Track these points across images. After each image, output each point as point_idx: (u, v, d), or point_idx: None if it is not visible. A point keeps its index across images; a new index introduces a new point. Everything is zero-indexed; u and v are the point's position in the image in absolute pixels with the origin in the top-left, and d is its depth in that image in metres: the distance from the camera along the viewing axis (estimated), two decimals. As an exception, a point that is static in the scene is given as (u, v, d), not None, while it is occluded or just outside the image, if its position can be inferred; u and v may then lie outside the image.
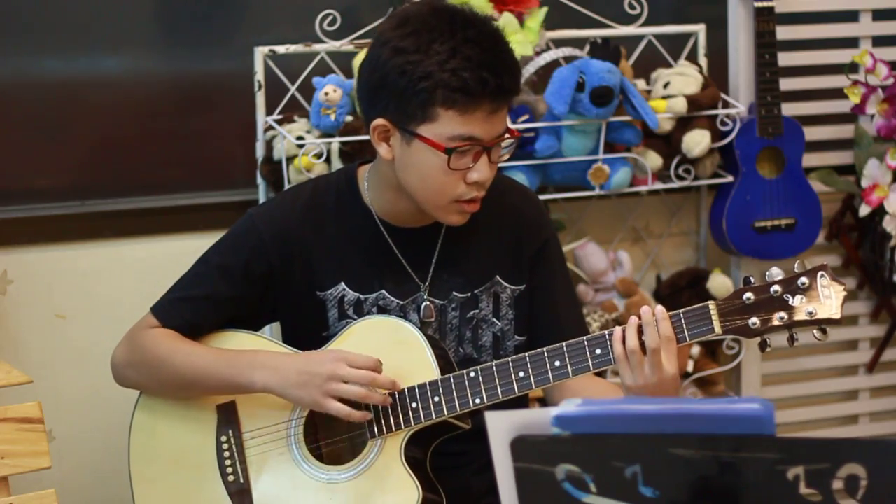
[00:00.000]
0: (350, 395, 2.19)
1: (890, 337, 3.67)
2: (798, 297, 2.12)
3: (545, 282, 2.40)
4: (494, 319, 2.38)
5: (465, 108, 2.14)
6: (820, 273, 2.12)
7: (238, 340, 2.36)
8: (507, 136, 2.23)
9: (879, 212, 3.43)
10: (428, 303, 2.35)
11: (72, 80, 3.16)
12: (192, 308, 2.35)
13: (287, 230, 2.34)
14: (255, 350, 2.30)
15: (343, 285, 2.34)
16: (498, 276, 2.38)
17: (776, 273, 2.13)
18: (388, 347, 2.29)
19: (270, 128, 3.05)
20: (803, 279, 2.12)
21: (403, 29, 2.17)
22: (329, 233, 2.35)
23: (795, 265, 2.14)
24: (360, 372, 2.19)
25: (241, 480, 2.32)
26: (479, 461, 2.37)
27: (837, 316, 2.12)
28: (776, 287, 2.12)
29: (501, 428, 1.39)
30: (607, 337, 2.19)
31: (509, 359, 2.23)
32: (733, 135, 3.28)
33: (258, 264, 2.33)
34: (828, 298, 2.11)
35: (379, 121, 2.21)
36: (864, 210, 3.44)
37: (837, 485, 1.35)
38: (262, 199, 3.06)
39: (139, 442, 2.38)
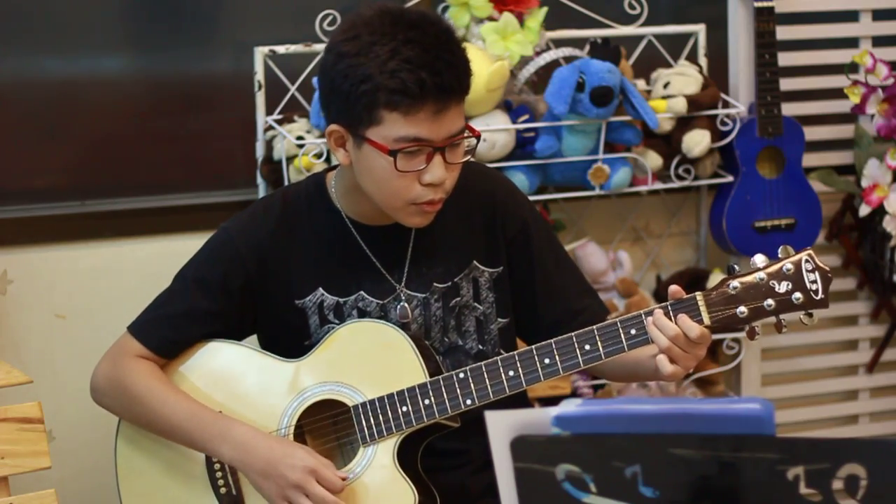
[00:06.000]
0: None
1: (890, 337, 3.67)
2: (784, 284, 2.12)
3: (537, 261, 2.40)
4: (476, 304, 2.38)
5: (407, 110, 2.13)
6: (805, 258, 2.13)
7: (221, 352, 2.35)
8: (464, 135, 2.21)
9: (879, 212, 3.43)
10: (404, 304, 2.34)
11: (72, 80, 3.16)
12: (171, 325, 2.34)
13: (262, 241, 2.33)
14: (231, 420, 2.28)
15: (321, 290, 2.34)
16: (475, 261, 2.38)
17: (760, 260, 2.14)
18: (374, 351, 2.28)
19: (270, 128, 3.05)
20: (788, 265, 2.12)
21: (347, 33, 2.18)
22: (303, 240, 2.34)
23: (779, 251, 2.15)
24: (324, 495, 2.19)
25: (234, 492, 2.31)
26: (477, 461, 2.37)
27: (824, 300, 2.13)
28: (761, 274, 2.13)
29: (501, 428, 1.39)
30: (598, 331, 2.19)
31: (498, 358, 2.23)
32: (733, 135, 3.28)
33: (236, 277, 2.33)
34: (813, 283, 2.12)
35: (332, 127, 2.21)
36: (864, 210, 3.44)
37: (837, 485, 1.35)
38: (262, 199, 3.06)
39: (126, 456, 2.37)
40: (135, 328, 2.36)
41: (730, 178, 3.33)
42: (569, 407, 1.39)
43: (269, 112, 3.06)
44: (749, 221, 3.35)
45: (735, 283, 2.14)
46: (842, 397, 3.74)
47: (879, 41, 3.54)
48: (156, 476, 2.35)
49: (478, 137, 2.25)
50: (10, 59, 3.09)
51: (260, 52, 3.03)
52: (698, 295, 2.15)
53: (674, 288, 2.17)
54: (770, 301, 2.12)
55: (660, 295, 3.38)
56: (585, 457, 1.38)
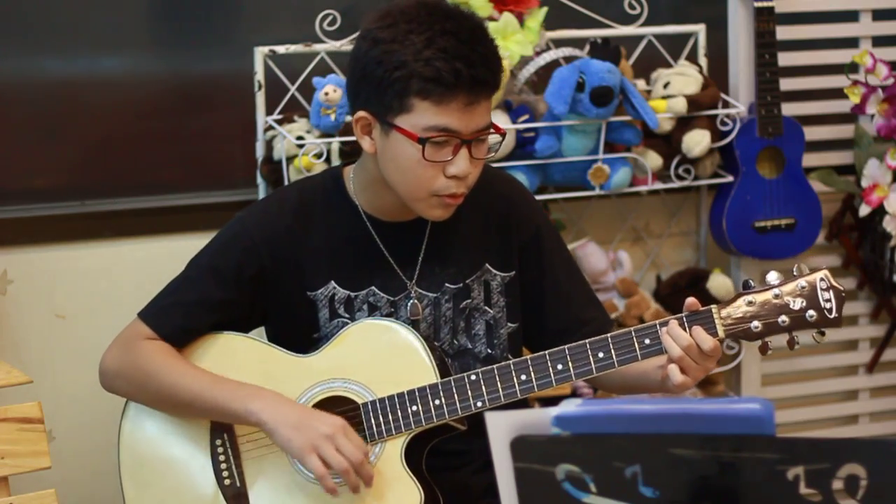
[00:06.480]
0: (335, 463, 2.18)
1: (890, 337, 3.67)
2: (798, 301, 2.15)
3: (547, 268, 2.41)
4: (486, 307, 2.38)
5: (439, 99, 2.14)
6: (820, 277, 2.16)
7: (228, 342, 2.35)
8: (490, 131, 2.22)
9: (879, 212, 3.43)
10: (415, 301, 2.34)
11: (72, 80, 3.16)
12: (183, 313, 2.33)
13: (277, 232, 2.33)
14: (257, 385, 2.27)
15: (333, 283, 2.34)
16: (487, 264, 2.38)
17: (775, 277, 2.16)
18: (384, 350, 2.28)
19: (270, 128, 3.05)
20: (803, 283, 2.16)
21: (384, 20, 2.19)
22: (318, 232, 2.34)
23: (794, 269, 2.18)
24: (354, 450, 2.18)
25: (238, 484, 2.31)
26: (478, 461, 2.37)
27: (837, 319, 2.16)
28: (776, 291, 2.16)
29: (501, 428, 1.39)
30: (612, 339, 2.20)
31: (511, 362, 2.23)
32: (733, 135, 3.28)
33: (250, 267, 2.33)
34: (827, 301, 2.16)
35: (360, 113, 2.22)
36: (864, 210, 3.44)
37: (837, 485, 1.35)
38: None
39: (129, 445, 2.36)
40: (147, 315, 2.36)
41: (730, 178, 3.33)
42: (569, 407, 1.39)
43: (269, 112, 3.06)
44: (749, 221, 3.35)
45: (750, 297, 2.16)
46: (842, 397, 3.74)
47: (879, 41, 3.54)
48: (158, 466, 2.34)
49: (503, 135, 2.26)
50: (10, 59, 3.09)
51: (260, 52, 3.03)
52: (714, 308, 2.18)
53: (690, 300, 2.19)
54: (784, 317, 2.16)
55: (660, 295, 3.38)
56: (585, 457, 1.38)
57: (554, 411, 1.38)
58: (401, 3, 2.21)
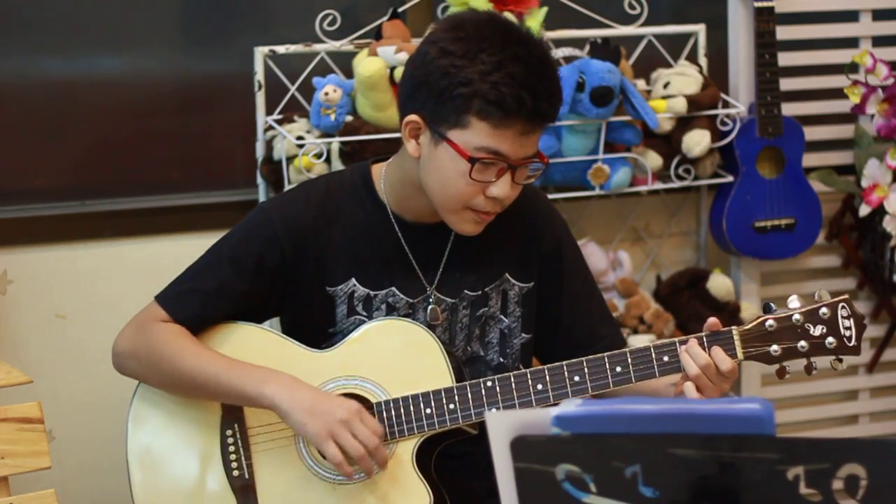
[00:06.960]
0: (351, 448, 2.18)
1: (890, 337, 3.67)
2: (819, 327, 2.18)
3: (566, 282, 2.41)
4: (502, 316, 2.38)
5: (497, 123, 2.14)
6: (841, 305, 2.19)
7: (243, 333, 2.34)
8: (535, 159, 2.22)
9: (879, 212, 3.43)
10: (434, 306, 2.34)
11: (72, 80, 3.17)
12: (202, 300, 2.33)
13: (302, 225, 2.33)
14: (273, 369, 2.27)
15: (354, 281, 2.34)
16: (507, 274, 2.38)
17: (796, 302, 2.18)
18: (402, 350, 2.28)
19: (270, 128, 3.05)
20: (824, 310, 2.18)
21: (456, 32, 2.17)
22: (342, 228, 2.34)
23: (815, 294, 2.20)
24: (370, 435, 2.18)
25: (246, 476, 2.30)
26: (481, 463, 2.36)
27: (856, 347, 2.20)
28: (797, 316, 2.18)
29: (501, 428, 1.38)
30: (630, 354, 2.21)
31: (528, 370, 2.24)
32: (733, 135, 3.28)
33: (271, 258, 2.32)
34: (848, 329, 2.19)
35: (412, 117, 2.21)
36: (864, 210, 3.44)
37: (837, 485, 1.35)
38: (261, 199, 3.06)
39: (138, 429, 2.34)
40: (164, 299, 2.35)
41: (730, 178, 3.33)
42: (569, 407, 1.39)
43: (269, 112, 3.06)
44: (749, 221, 3.35)
45: (771, 321, 2.18)
46: (842, 397, 3.74)
47: (879, 41, 3.54)
48: (167, 453, 2.33)
49: (545, 165, 2.26)
50: (10, 59, 3.09)
51: (260, 52, 3.03)
52: (734, 329, 2.19)
53: (712, 321, 2.20)
54: (803, 343, 2.18)
55: (660, 295, 3.38)
56: (585, 457, 1.38)
57: (554, 411, 1.38)
58: (473, 16, 2.22)
